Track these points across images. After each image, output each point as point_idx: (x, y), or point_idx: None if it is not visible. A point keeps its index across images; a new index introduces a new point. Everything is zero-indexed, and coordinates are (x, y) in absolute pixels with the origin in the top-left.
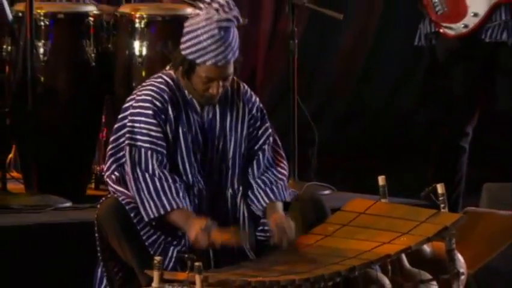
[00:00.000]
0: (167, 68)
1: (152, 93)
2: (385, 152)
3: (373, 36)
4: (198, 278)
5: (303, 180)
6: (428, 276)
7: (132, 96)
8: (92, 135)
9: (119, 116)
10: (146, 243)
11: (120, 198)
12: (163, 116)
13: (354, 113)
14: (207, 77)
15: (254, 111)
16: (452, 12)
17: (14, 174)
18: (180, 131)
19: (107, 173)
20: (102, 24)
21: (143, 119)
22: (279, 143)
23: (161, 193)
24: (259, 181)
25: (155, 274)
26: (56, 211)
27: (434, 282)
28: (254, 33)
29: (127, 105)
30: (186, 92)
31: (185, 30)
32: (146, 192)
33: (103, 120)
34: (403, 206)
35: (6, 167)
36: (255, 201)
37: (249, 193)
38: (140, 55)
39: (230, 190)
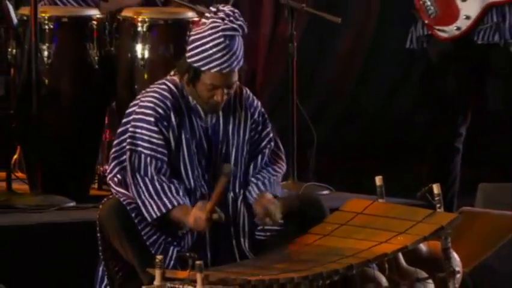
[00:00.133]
0: (172, 73)
1: (155, 100)
2: (383, 153)
3: (370, 39)
4: (199, 276)
5: (302, 180)
6: (424, 274)
7: (136, 102)
8: (95, 137)
9: (123, 121)
10: (147, 243)
11: (122, 199)
12: (165, 123)
13: (352, 115)
14: (212, 84)
15: (256, 115)
16: (445, 15)
17: (19, 174)
18: (183, 137)
19: (110, 176)
20: (105, 27)
21: (145, 125)
22: (280, 146)
23: (161, 193)
24: (253, 178)
25: (157, 272)
26: (59, 211)
27: (430, 281)
28: (254, 37)
29: (130, 110)
30: (190, 98)
31: (191, 38)
32: (147, 194)
33: (106, 121)
34: (400, 206)
35: (11, 168)
36: (248, 196)
37: (246, 191)
38: (143, 58)
39: (231, 194)
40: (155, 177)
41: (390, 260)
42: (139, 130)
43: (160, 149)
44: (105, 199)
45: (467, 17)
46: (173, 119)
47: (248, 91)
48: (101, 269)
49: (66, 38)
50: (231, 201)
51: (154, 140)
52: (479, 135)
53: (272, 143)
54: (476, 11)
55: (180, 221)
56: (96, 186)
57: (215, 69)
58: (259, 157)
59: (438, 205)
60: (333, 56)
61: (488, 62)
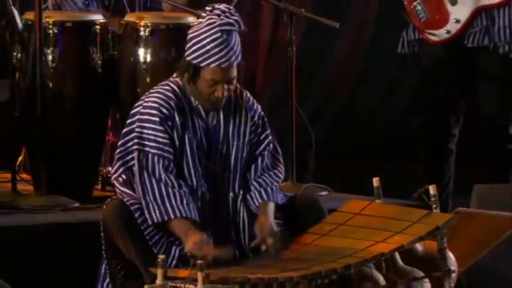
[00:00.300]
0: (174, 75)
1: (159, 101)
2: (380, 154)
3: (368, 43)
4: (199, 275)
5: (301, 181)
6: (420, 273)
7: (140, 103)
8: (98, 139)
9: (127, 122)
10: (150, 243)
11: (125, 199)
12: (169, 123)
13: (350, 116)
14: (212, 80)
15: (256, 118)
16: (435, 19)
17: (24, 176)
18: (186, 136)
19: (115, 176)
20: (108, 32)
21: (150, 125)
22: (279, 150)
23: (165, 199)
24: (255, 183)
25: (159, 272)
26: (63, 211)
27: (427, 280)
28: (254, 41)
29: (134, 111)
30: (192, 98)
31: (189, 37)
32: (151, 196)
33: (109, 124)
34: (397, 206)
35: (16, 169)
36: (250, 201)
37: (247, 195)
38: (145, 62)
39: (231, 193)
40: (162, 177)
41: (387, 259)
42: (145, 130)
43: (166, 148)
44: (109, 199)
45: (457, 21)
46: (177, 118)
47: (248, 94)
48: (103, 267)
49: (70, 43)
50: (231, 201)
51: (160, 139)
52: (473, 137)
53: (271, 145)
54: (465, 14)
55: (176, 234)
56: (99, 187)
57: (214, 64)
58: (259, 159)
59: (434, 206)
60: (331, 59)
61: (478, 65)
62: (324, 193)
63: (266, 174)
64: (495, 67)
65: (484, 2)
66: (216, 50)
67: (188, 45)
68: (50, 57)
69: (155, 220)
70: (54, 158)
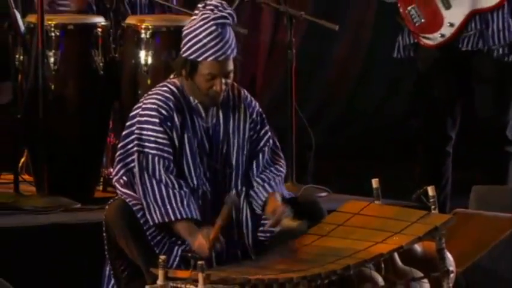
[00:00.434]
0: (171, 76)
1: (158, 102)
2: (379, 156)
3: (366, 45)
4: (200, 276)
5: (301, 183)
6: (419, 274)
7: (139, 105)
8: (100, 140)
9: (127, 124)
10: (152, 243)
11: (127, 200)
12: (169, 123)
13: (349, 118)
14: (210, 74)
15: (254, 115)
16: (429, 23)
17: (26, 177)
18: (186, 136)
19: (116, 178)
20: (110, 34)
21: (150, 126)
22: (278, 145)
23: (166, 200)
24: (258, 179)
25: (160, 272)
26: (65, 212)
27: (425, 280)
28: (254, 44)
29: (133, 113)
30: (191, 98)
31: (184, 33)
32: (152, 197)
33: (110, 125)
34: (395, 207)
35: (19, 170)
36: (255, 197)
37: (250, 191)
38: (146, 64)
39: (233, 191)
40: (162, 178)
41: (386, 260)
42: (145, 132)
43: (166, 149)
44: (111, 200)
45: (451, 25)
46: (176, 119)
47: (246, 92)
48: (107, 269)
49: (72, 45)
50: None
51: (160, 140)
52: (470, 139)
53: (271, 141)
54: (459, 18)
55: (183, 237)
56: (101, 188)
57: (211, 58)
58: (260, 156)
59: (433, 207)
60: (330, 62)
61: (473, 68)
62: (323, 194)
63: (268, 170)
64: (490, 70)
65: (478, 6)
66: (212, 43)
67: (183, 41)
68: (52, 60)
69: (156, 221)
70: (56, 159)
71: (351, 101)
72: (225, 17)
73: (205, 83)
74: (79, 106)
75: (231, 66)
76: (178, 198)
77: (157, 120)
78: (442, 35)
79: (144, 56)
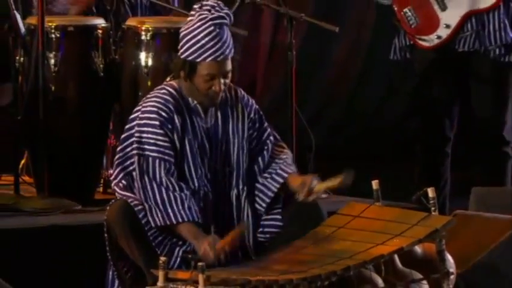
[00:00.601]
0: (168, 79)
1: (158, 104)
2: (379, 157)
3: (366, 47)
4: (200, 277)
5: None
6: (419, 275)
7: (138, 108)
8: (100, 142)
9: (126, 127)
10: (153, 244)
11: (129, 200)
12: (169, 126)
13: (349, 119)
14: (209, 74)
15: (252, 114)
16: (425, 24)
17: (26, 178)
18: (186, 138)
19: (115, 181)
20: (110, 36)
21: (150, 129)
22: (279, 137)
23: (167, 203)
24: (265, 174)
25: (160, 273)
26: (65, 214)
27: (425, 282)
28: (255, 45)
29: (133, 116)
30: (190, 99)
31: (182, 35)
32: (153, 201)
33: (111, 127)
34: (396, 209)
35: (19, 172)
36: (264, 190)
37: (257, 185)
38: (146, 66)
39: (235, 190)
40: (163, 181)
41: (386, 261)
42: (145, 134)
43: (167, 151)
44: (113, 200)
45: (447, 26)
46: (176, 121)
47: (242, 91)
48: (111, 272)
49: (72, 47)
50: (235, 198)
51: (161, 143)
52: (469, 140)
53: (271, 137)
54: (455, 19)
55: (187, 239)
56: (101, 189)
57: (210, 58)
58: (265, 152)
59: (433, 208)
60: (330, 63)
61: (470, 68)
62: (323, 196)
63: (272, 164)
64: (487, 71)
65: (474, 7)
66: (211, 43)
67: (181, 43)
68: (52, 61)
69: (158, 224)
70: (56, 160)
71: (351, 102)
72: (222, 17)
73: (204, 84)
74: (79, 107)
75: (229, 66)
76: (179, 201)
77: (157, 123)
78: (438, 37)
79: (144, 58)
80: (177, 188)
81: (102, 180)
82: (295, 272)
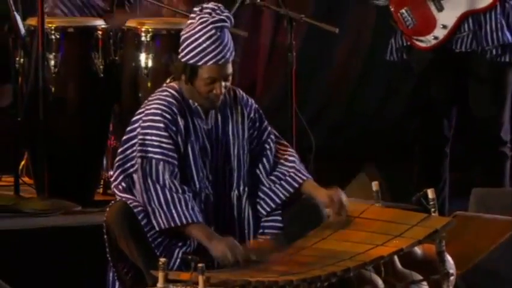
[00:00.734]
0: (168, 81)
1: (162, 107)
2: (379, 158)
3: (366, 48)
4: (200, 278)
5: None
6: (419, 276)
7: (141, 110)
8: (100, 143)
9: (128, 129)
10: (153, 245)
11: (128, 202)
12: (174, 128)
13: (349, 120)
14: (210, 78)
15: (252, 114)
16: (422, 25)
17: (26, 179)
18: (189, 140)
19: (115, 183)
20: (110, 37)
21: (154, 131)
22: (278, 135)
23: (171, 205)
24: (273, 177)
25: (160, 275)
26: (65, 215)
27: (425, 283)
28: (254, 47)
29: (135, 118)
30: (191, 101)
31: (182, 38)
32: (157, 203)
33: (111, 128)
34: (396, 210)
35: (19, 173)
36: (272, 195)
37: (263, 188)
38: (146, 67)
39: (236, 191)
40: (166, 183)
41: (386, 262)
42: (148, 137)
43: (170, 154)
44: (112, 201)
45: (444, 26)
46: (180, 123)
47: (241, 91)
48: (111, 274)
49: (72, 48)
50: (235, 200)
51: (164, 145)
52: (468, 140)
53: (272, 136)
54: (452, 20)
55: (198, 240)
56: (101, 191)
57: (211, 62)
58: (268, 151)
59: (432, 209)
60: (330, 64)
61: (468, 69)
62: None
63: (278, 167)
64: (485, 71)
65: (471, 7)
66: (212, 47)
67: (182, 46)
68: (52, 62)
69: (162, 226)
70: (56, 161)
71: (351, 103)
72: (223, 20)
73: (205, 87)
74: (79, 108)
75: (230, 69)
76: (183, 203)
77: (161, 125)
78: (435, 37)
79: (144, 59)
80: (180, 190)
81: (102, 181)
82: (295, 273)
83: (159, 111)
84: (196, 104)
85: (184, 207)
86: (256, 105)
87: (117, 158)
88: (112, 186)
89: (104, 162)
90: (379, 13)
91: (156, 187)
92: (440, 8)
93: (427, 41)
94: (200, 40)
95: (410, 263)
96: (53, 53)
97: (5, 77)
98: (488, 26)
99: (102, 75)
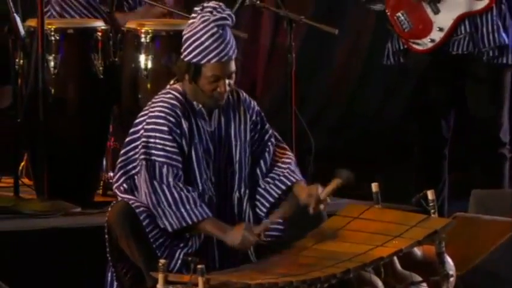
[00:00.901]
0: (171, 82)
1: (166, 110)
2: (379, 159)
3: (366, 49)
4: (200, 280)
5: None
6: (418, 278)
7: (145, 112)
8: (100, 144)
9: (130, 131)
10: (154, 246)
11: (130, 202)
12: (178, 131)
13: (349, 121)
14: (214, 76)
15: (254, 116)
16: (418, 28)
17: (26, 181)
18: (193, 142)
19: (116, 185)
20: (109, 38)
21: (158, 134)
22: (280, 138)
23: (180, 205)
24: (268, 179)
25: (160, 276)
26: (65, 216)
27: (425, 284)
28: (254, 48)
29: (139, 120)
30: (195, 103)
31: (184, 38)
32: (166, 204)
33: (110, 129)
34: (395, 211)
35: (19, 174)
36: (266, 195)
37: (259, 190)
38: (146, 68)
39: (237, 193)
40: (171, 184)
41: (386, 264)
42: (152, 139)
43: (174, 157)
44: (114, 202)
45: (441, 29)
46: (184, 125)
47: (244, 93)
48: (109, 273)
49: (71, 49)
50: (236, 201)
51: (168, 148)
52: (467, 141)
53: (273, 139)
54: (448, 22)
55: (212, 234)
56: (101, 192)
57: (214, 60)
58: (266, 154)
59: (432, 210)
60: (330, 65)
61: (466, 70)
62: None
63: (275, 168)
64: (483, 72)
65: (467, 9)
66: (215, 45)
67: (184, 46)
68: (52, 64)
69: (175, 227)
70: (56, 163)
71: (351, 104)
72: (224, 18)
73: (209, 85)
74: (78, 110)
75: (233, 66)
76: (191, 200)
77: (165, 128)
78: (432, 40)
79: (144, 60)
80: (185, 189)
81: (102, 182)
82: (295, 274)
83: (163, 114)
84: (199, 105)
85: (192, 205)
86: (259, 108)
87: (119, 160)
88: (114, 187)
89: (104, 163)
90: (379, 14)
91: (163, 187)
92: (437, 11)
93: (424, 44)
94: (202, 39)
95: (410, 264)
96: (53, 54)
97: (4, 78)
98: (484, 28)
99: (102, 76)
